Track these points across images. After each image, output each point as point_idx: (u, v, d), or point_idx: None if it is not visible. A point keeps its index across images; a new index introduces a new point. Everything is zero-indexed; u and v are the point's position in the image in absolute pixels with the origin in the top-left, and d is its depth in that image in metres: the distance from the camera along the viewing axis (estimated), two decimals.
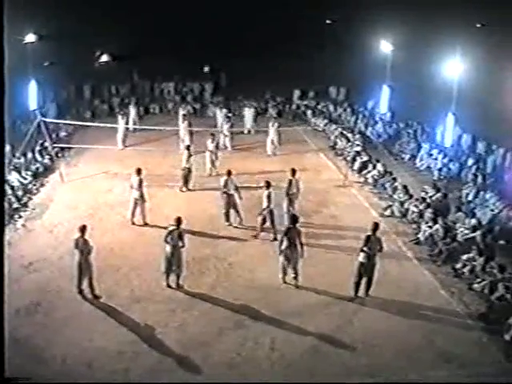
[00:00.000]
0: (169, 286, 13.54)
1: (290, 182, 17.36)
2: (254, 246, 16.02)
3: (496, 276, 13.75)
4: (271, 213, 16.32)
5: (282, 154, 24.63)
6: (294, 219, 13.88)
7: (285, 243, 13.53)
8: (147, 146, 24.90)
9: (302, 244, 13.52)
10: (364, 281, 13.32)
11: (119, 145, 25.11)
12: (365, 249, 13.02)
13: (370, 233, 13.18)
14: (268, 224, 16.39)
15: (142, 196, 17.13)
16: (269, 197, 16.26)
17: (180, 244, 13.40)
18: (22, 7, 20.63)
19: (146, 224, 17.15)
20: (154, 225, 17.06)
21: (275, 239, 15.89)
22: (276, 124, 25.35)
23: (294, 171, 17.56)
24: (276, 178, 21.33)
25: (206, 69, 36.42)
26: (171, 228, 13.49)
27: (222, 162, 21.69)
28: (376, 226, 13.30)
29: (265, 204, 16.26)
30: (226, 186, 17.10)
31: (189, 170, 20.07)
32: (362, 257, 13.13)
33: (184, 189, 19.97)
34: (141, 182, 17.13)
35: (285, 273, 13.79)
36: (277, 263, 13.92)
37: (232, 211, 17.28)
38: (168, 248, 13.38)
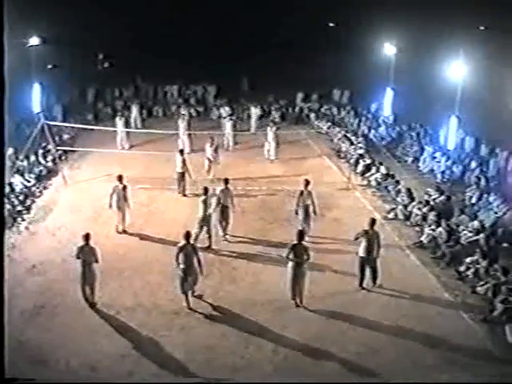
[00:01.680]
0: (190, 308, 12.77)
1: (302, 193, 16.53)
2: (257, 249, 16.00)
3: (499, 279, 13.73)
4: (208, 220, 15.72)
5: (284, 157, 24.62)
6: (300, 235, 13.09)
7: (291, 260, 12.87)
8: (150, 148, 24.91)
9: (308, 259, 12.93)
10: (368, 272, 13.66)
11: (118, 146, 25.13)
12: (363, 241, 13.48)
13: (367, 228, 13.57)
14: (204, 231, 15.74)
15: (125, 203, 16.70)
16: (205, 203, 15.67)
17: (195, 259, 12.70)
18: (25, 10, 20.75)
19: (124, 231, 16.77)
20: (156, 229, 17.09)
21: (209, 247, 15.64)
22: (274, 128, 25.27)
23: (307, 182, 16.68)
24: (279, 181, 21.54)
25: None
26: (181, 244, 12.70)
27: (225, 165, 21.68)
28: (373, 221, 13.83)
29: (201, 211, 15.56)
30: (221, 196, 16.35)
31: (182, 175, 19.83)
32: (361, 251, 13.52)
33: (181, 193, 19.87)
34: (124, 188, 16.70)
35: (294, 293, 12.98)
36: (279, 267, 13.96)
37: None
38: (182, 266, 12.56)
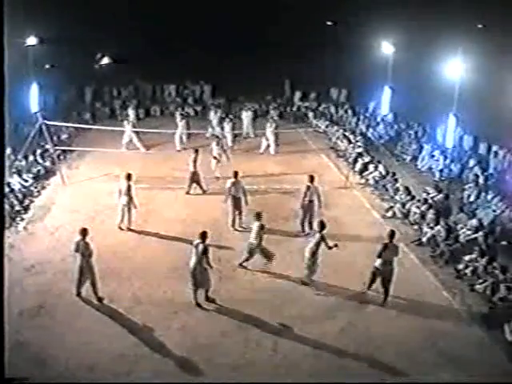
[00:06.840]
0: (198, 304, 12.91)
1: (308, 188, 16.70)
2: None
3: (498, 277, 13.74)
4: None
5: (283, 156, 24.64)
6: (322, 226, 13.78)
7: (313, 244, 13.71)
8: (148, 147, 24.96)
9: (329, 247, 13.58)
10: (379, 283, 13.24)
11: (124, 147, 25.01)
12: (382, 255, 12.95)
13: (387, 240, 13.10)
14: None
15: (130, 202, 16.69)
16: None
17: (204, 259, 12.74)
18: (23, 10, 20.70)
19: (130, 229, 16.74)
20: (155, 228, 17.08)
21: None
22: (274, 125, 25.48)
23: (312, 178, 16.85)
24: (278, 179, 21.56)
25: None
26: (196, 242, 12.88)
27: (224, 164, 21.62)
28: (393, 233, 13.27)
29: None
30: (232, 188, 16.97)
31: (194, 174, 19.81)
32: (378, 263, 13.06)
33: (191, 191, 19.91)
34: (129, 187, 16.67)
35: (312, 273, 13.84)
36: (279, 266, 14.26)
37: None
38: (193, 260, 12.80)
